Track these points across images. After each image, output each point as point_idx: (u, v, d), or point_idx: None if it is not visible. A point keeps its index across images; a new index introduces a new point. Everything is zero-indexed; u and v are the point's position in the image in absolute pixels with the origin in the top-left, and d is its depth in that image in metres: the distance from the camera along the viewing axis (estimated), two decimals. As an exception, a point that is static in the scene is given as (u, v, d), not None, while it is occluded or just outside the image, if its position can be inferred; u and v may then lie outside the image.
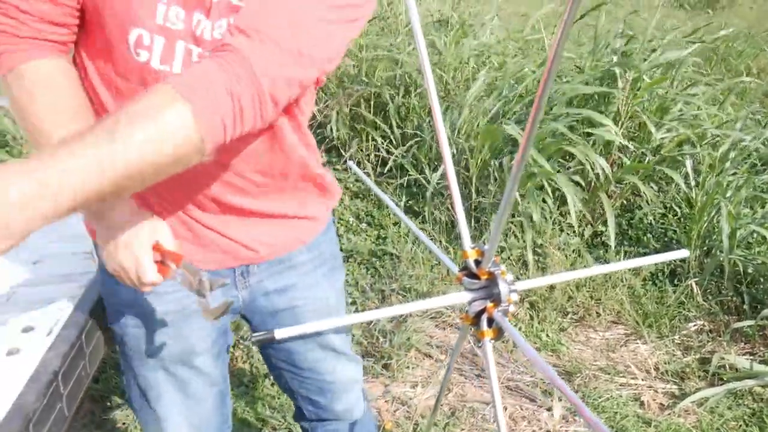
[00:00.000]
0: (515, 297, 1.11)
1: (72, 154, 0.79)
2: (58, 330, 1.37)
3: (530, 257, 3.05)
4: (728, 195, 3.18)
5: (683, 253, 1.32)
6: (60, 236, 1.76)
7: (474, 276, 1.14)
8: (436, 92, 1.20)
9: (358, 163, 3.89)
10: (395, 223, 3.44)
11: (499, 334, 1.13)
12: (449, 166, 1.20)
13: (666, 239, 3.45)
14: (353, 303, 2.88)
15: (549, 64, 0.76)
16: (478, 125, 3.48)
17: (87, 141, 0.81)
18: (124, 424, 2.30)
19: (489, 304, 1.11)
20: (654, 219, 3.56)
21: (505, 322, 1.11)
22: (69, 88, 1.03)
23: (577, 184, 3.52)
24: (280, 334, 1.07)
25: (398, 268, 3.06)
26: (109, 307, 1.31)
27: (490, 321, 1.11)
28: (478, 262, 1.15)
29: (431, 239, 3.28)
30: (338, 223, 3.48)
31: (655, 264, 3.22)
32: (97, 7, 0.99)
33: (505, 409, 2.49)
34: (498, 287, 1.09)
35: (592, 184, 3.44)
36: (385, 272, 3.07)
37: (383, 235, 3.33)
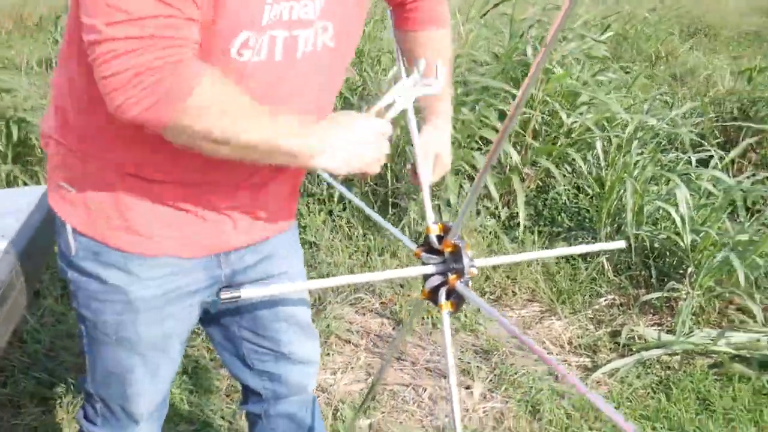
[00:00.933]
0: (475, 271, 1.20)
1: None
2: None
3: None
4: (635, 174, 3.30)
5: (620, 243, 1.44)
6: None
7: (433, 251, 1.24)
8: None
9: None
10: (318, 212, 3.44)
11: (456, 307, 1.22)
12: (418, 149, 1.35)
13: (579, 218, 3.56)
14: (273, 293, 2.87)
15: (534, 67, 0.84)
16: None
17: None
18: (35, 428, 2.23)
19: (451, 277, 1.19)
20: (567, 199, 3.67)
21: (469, 291, 1.18)
22: None
23: (493, 167, 3.60)
24: (246, 293, 1.14)
25: (317, 256, 3.06)
26: (81, 294, 1.29)
27: (448, 294, 1.21)
28: (439, 238, 1.24)
29: (349, 225, 3.30)
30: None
31: (569, 243, 3.33)
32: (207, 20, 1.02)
33: (425, 390, 2.53)
34: (462, 260, 1.18)
35: (507, 167, 3.51)
36: (304, 261, 3.06)
37: (302, 224, 3.33)
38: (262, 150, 1.07)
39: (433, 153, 1.46)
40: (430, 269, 1.23)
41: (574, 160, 3.75)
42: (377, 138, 1.17)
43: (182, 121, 1.00)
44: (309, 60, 1.16)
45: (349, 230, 3.29)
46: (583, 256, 3.28)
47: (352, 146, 1.14)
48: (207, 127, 1.01)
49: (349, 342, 2.71)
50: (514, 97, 3.68)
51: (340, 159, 1.13)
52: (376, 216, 1.39)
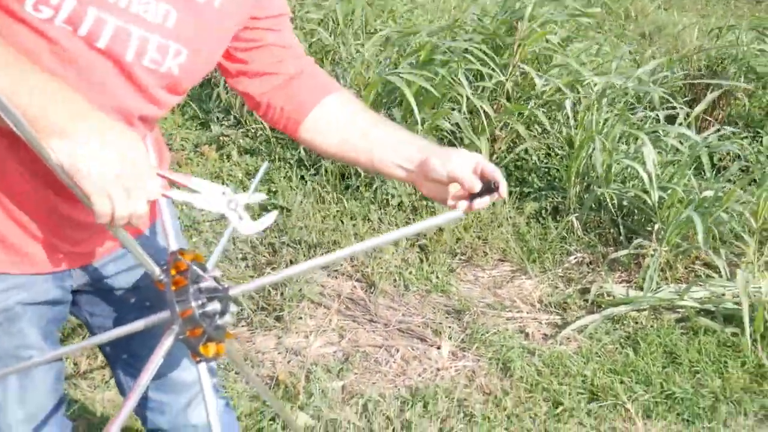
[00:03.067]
0: (215, 306, 1.04)
1: None
2: None
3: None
4: (604, 132, 3.31)
5: (458, 213, 1.17)
6: None
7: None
8: None
9: (243, 122, 3.81)
10: (289, 177, 3.42)
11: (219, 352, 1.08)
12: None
13: (549, 178, 3.58)
14: (244, 258, 2.87)
15: None
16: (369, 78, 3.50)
17: None
18: None
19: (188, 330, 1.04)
20: (538, 159, 3.68)
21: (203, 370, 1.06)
22: None
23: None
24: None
25: (289, 221, 3.05)
26: None
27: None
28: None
29: (322, 190, 3.28)
30: (228, 179, 3.43)
31: (538, 202, 3.35)
32: None
33: (397, 350, 2.55)
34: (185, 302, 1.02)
35: (479, 127, 3.51)
36: (275, 226, 3.06)
37: (273, 189, 3.31)
38: None
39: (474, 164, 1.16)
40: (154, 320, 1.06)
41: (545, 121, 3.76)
42: (148, 171, 0.95)
43: None
44: (141, 72, 1.03)
45: (322, 195, 3.28)
46: (554, 216, 3.31)
47: (110, 152, 0.90)
48: None
49: (321, 305, 2.72)
50: (493, 60, 3.67)
51: (84, 155, 0.88)
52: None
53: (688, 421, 2.37)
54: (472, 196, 1.16)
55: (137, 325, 1.10)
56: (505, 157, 3.62)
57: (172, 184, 1.03)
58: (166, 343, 1.04)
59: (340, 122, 1.26)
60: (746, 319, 2.60)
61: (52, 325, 1.24)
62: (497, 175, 1.14)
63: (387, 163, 1.23)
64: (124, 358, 1.35)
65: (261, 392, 1.72)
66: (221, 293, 1.08)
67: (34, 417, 1.26)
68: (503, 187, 1.12)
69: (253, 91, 1.25)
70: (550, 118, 3.68)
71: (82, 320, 1.35)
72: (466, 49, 3.57)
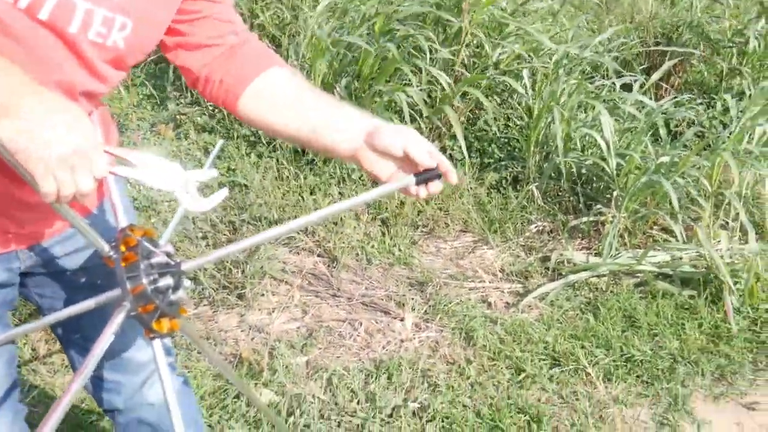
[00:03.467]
0: (167, 281, 1.02)
1: None
2: None
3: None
4: (562, 102, 3.33)
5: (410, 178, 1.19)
6: None
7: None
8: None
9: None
10: (247, 154, 3.38)
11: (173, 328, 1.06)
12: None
13: (509, 148, 3.59)
14: (204, 238, 2.83)
15: None
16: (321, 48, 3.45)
17: None
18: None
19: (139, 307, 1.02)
20: (498, 130, 3.69)
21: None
22: None
23: (424, 102, 3.57)
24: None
25: (248, 198, 3.02)
26: None
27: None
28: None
29: (280, 165, 3.25)
30: (186, 158, 3.37)
31: (498, 173, 3.36)
32: None
33: (361, 324, 2.56)
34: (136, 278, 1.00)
35: (437, 99, 3.50)
36: (235, 203, 3.02)
37: (232, 167, 3.27)
38: None
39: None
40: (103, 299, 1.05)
41: (503, 90, 3.76)
42: (94, 148, 0.92)
43: None
44: (86, 45, 1.01)
45: (281, 171, 3.24)
46: (514, 186, 3.32)
47: (60, 131, 0.88)
48: None
49: (283, 281, 2.70)
50: (447, 27, 3.64)
51: (33, 134, 0.86)
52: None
53: (647, 382, 2.41)
54: (416, 176, 1.17)
55: (88, 303, 1.08)
56: (465, 128, 3.62)
57: (121, 161, 1.01)
58: (117, 319, 1.02)
59: (284, 94, 1.23)
60: (726, 277, 2.66)
61: (1, 309, 1.22)
62: (444, 161, 1.16)
63: (330, 133, 1.20)
64: (76, 338, 1.33)
65: (221, 369, 1.71)
66: (173, 268, 1.06)
67: None
68: (452, 174, 1.17)
69: (192, 64, 1.22)
70: (508, 88, 3.69)
71: (33, 302, 1.32)
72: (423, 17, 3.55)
